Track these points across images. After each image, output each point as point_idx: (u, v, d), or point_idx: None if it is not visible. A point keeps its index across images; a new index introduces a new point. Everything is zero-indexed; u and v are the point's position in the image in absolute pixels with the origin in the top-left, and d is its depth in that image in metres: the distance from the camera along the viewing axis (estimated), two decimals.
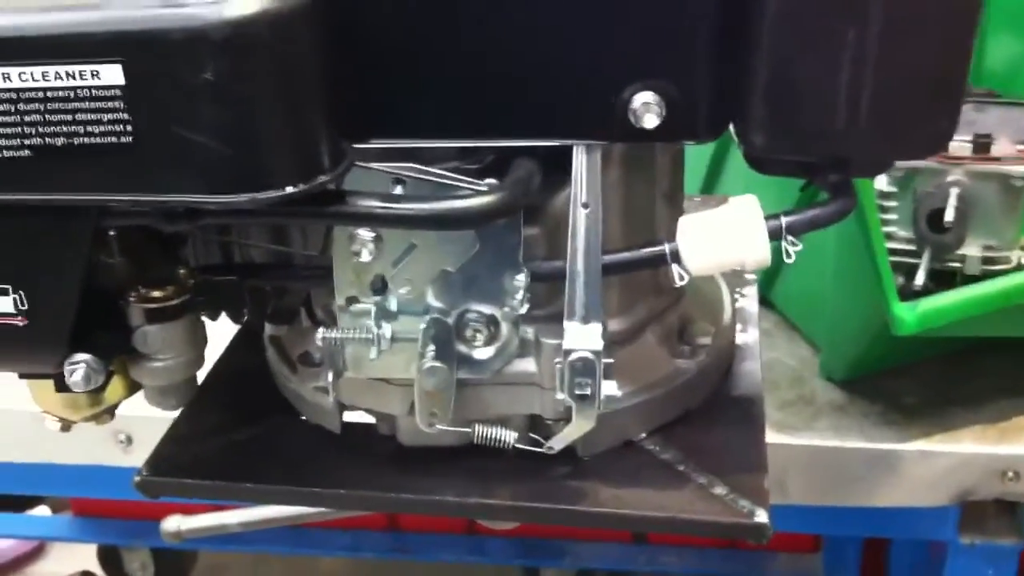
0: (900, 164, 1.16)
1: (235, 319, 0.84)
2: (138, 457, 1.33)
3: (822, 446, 1.19)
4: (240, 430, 0.86)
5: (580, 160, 0.71)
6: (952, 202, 1.15)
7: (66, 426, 0.80)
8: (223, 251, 0.79)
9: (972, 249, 1.19)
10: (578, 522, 0.77)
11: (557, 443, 0.77)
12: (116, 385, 0.77)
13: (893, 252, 1.13)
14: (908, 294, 1.12)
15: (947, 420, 1.21)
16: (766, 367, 1.00)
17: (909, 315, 1.09)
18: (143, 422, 1.29)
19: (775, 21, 0.66)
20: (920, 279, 1.15)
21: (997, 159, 1.18)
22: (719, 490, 0.78)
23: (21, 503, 2.24)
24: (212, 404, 0.86)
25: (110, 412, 0.80)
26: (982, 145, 1.18)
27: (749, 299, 0.98)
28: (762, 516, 0.76)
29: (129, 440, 1.33)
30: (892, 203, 1.18)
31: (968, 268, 1.19)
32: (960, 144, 1.18)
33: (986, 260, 1.19)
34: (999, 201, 1.18)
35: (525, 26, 0.67)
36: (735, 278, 0.99)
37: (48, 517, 2.21)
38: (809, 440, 1.19)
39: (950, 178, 1.17)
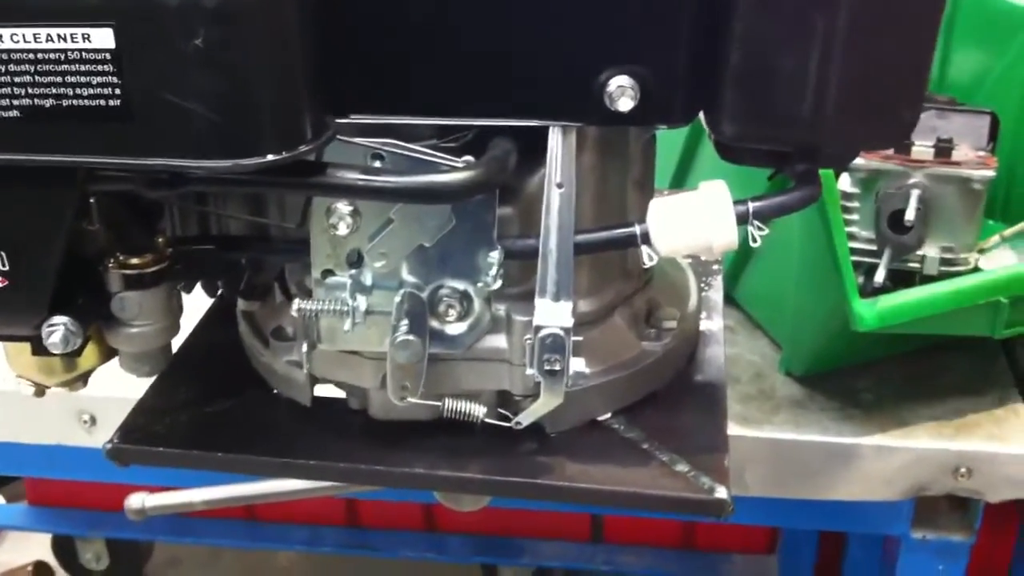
0: (864, 166, 1.19)
1: (210, 292, 0.85)
2: (102, 437, 1.34)
3: (781, 439, 1.21)
4: (211, 403, 0.87)
5: (556, 141, 0.73)
6: (913, 203, 1.18)
7: (40, 391, 0.81)
8: (200, 223, 0.81)
9: (931, 250, 1.22)
10: (545, 496, 0.79)
11: (525, 418, 0.79)
12: (91, 352, 0.78)
13: (854, 252, 1.16)
14: (868, 292, 1.15)
15: (903, 416, 1.23)
16: (728, 362, 1.02)
17: (868, 312, 1.11)
18: (107, 402, 1.30)
19: (748, 10, 0.68)
20: (880, 277, 1.18)
21: (958, 163, 1.20)
22: (681, 467, 0.80)
23: None
24: (183, 377, 0.87)
25: (83, 379, 0.81)
26: (944, 150, 1.21)
27: (715, 290, 1.01)
28: (722, 492, 0.78)
29: (93, 420, 1.33)
30: (855, 204, 1.21)
31: (927, 269, 1.22)
32: (922, 148, 1.21)
33: (944, 261, 1.22)
34: (959, 204, 1.21)
35: (506, 8, 0.69)
36: (703, 269, 1.01)
37: (2, 506, 2.20)
38: (768, 433, 1.21)
39: (912, 180, 1.20)
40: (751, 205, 0.75)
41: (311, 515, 1.90)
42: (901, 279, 1.22)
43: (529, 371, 0.75)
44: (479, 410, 0.80)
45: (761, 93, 0.70)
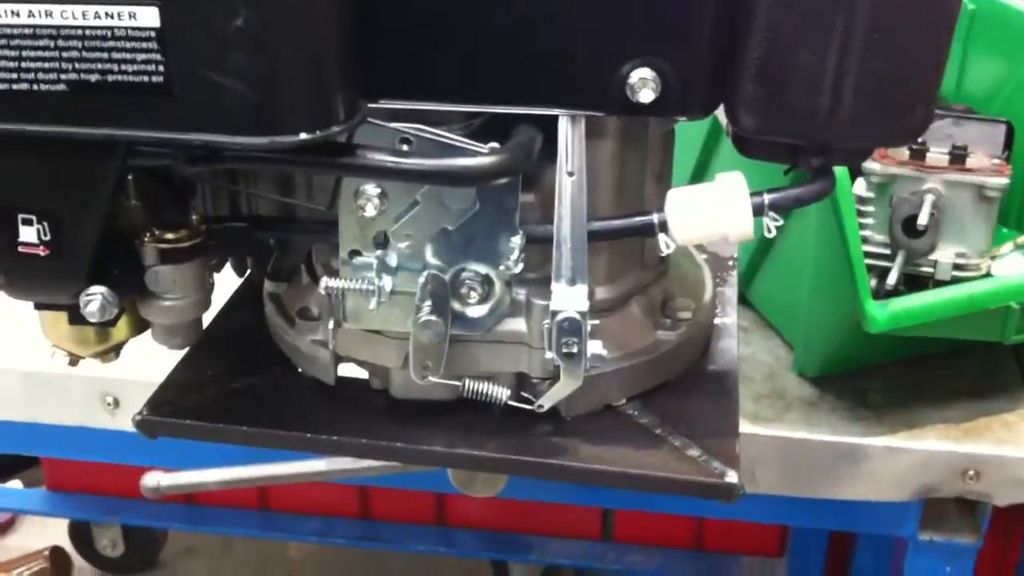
0: (879, 170, 1.21)
1: (239, 271, 0.88)
2: (125, 420, 1.37)
3: (792, 438, 1.23)
4: (237, 379, 0.89)
5: (566, 131, 0.75)
6: (927, 208, 1.20)
7: (74, 360, 0.84)
8: (231, 202, 0.83)
9: (944, 255, 1.24)
10: (559, 476, 0.81)
11: (546, 401, 0.81)
12: (123, 324, 0.81)
13: (868, 255, 1.18)
14: (881, 295, 1.17)
15: (913, 418, 1.25)
16: (742, 361, 1.04)
17: (881, 313, 1.13)
18: (131, 384, 1.33)
19: (769, 5, 0.71)
20: (892, 280, 1.20)
21: (972, 170, 1.22)
22: (693, 452, 0.82)
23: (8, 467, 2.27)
24: (211, 355, 0.90)
25: (116, 351, 0.84)
26: (959, 156, 1.23)
27: (730, 286, 1.03)
28: (732, 477, 0.80)
29: (116, 402, 1.35)
30: (869, 208, 1.23)
31: (939, 273, 1.24)
32: (937, 155, 1.23)
33: (957, 267, 1.24)
34: (972, 210, 1.23)
35: (532, 3, 0.71)
36: (718, 265, 1.03)
37: (20, 490, 2.23)
38: (780, 432, 1.23)
39: (926, 186, 1.22)
40: (767, 197, 0.78)
41: (323, 506, 1.92)
42: (913, 283, 1.23)
43: (548, 354, 0.77)
44: (503, 392, 0.82)
45: (780, 87, 0.73)
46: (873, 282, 1.18)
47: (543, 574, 2.19)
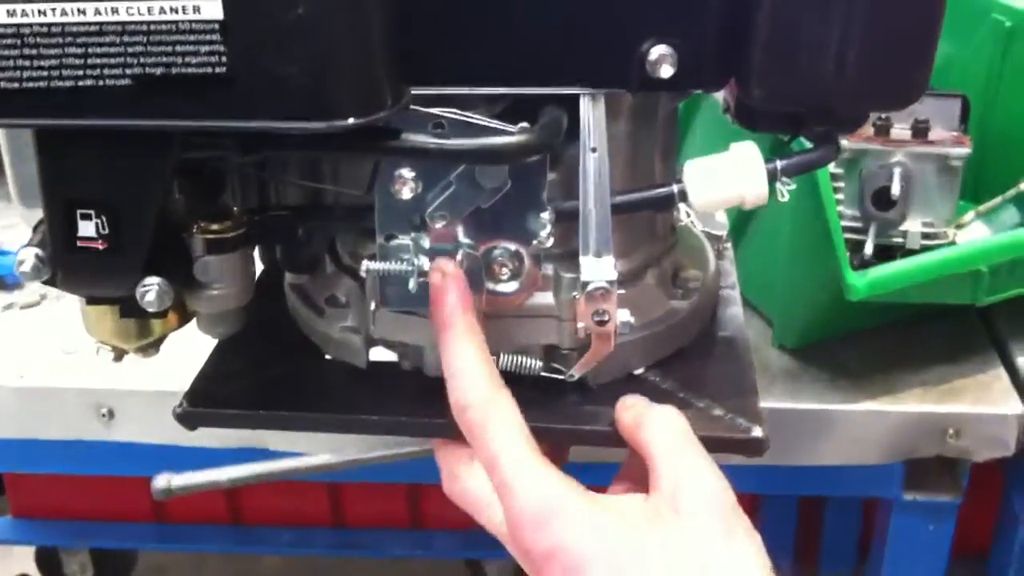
0: (847, 147, 1.26)
1: (266, 259, 0.91)
2: (120, 431, 1.38)
3: (777, 408, 1.28)
4: (269, 368, 0.92)
5: (587, 109, 0.79)
6: (897, 179, 1.25)
7: (119, 355, 0.86)
8: (260, 194, 0.86)
9: (913, 226, 1.30)
10: (594, 442, 0.84)
11: (578, 370, 0.85)
12: (168, 316, 0.83)
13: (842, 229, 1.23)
14: (856, 266, 1.22)
15: (892, 384, 1.31)
16: None
17: (860, 282, 1.19)
18: (126, 395, 1.34)
19: None
20: (869, 250, 1.26)
21: (934, 143, 1.28)
22: (718, 411, 0.86)
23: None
24: (239, 347, 0.92)
25: (156, 345, 0.86)
26: (921, 130, 1.29)
27: (727, 259, 1.07)
28: (758, 431, 0.84)
29: (111, 414, 1.36)
30: (839, 184, 1.28)
31: (909, 243, 1.30)
32: (900, 130, 1.29)
33: (925, 236, 1.30)
34: (937, 181, 1.29)
35: None
36: (713, 242, 1.07)
37: None
38: (766, 403, 1.27)
39: (893, 159, 1.28)
40: (779, 163, 0.82)
41: (296, 516, 1.91)
42: (882, 254, 1.29)
43: (580, 325, 0.81)
44: (535, 364, 0.86)
45: (788, 57, 0.77)
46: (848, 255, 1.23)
47: (515, 571, 2.21)
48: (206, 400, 0.89)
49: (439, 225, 0.80)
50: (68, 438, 1.40)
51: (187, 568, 2.46)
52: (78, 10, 0.65)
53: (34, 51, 0.67)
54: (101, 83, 0.67)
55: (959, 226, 1.37)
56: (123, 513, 1.90)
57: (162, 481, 1.31)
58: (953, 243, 1.32)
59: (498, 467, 0.75)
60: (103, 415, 1.37)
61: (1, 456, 1.48)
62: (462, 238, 0.81)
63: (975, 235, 1.38)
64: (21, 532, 1.99)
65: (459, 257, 0.81)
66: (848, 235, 1.27)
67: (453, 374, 0.78)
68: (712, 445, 0.82)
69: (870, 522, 1.60)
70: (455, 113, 0.77)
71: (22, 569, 2.29)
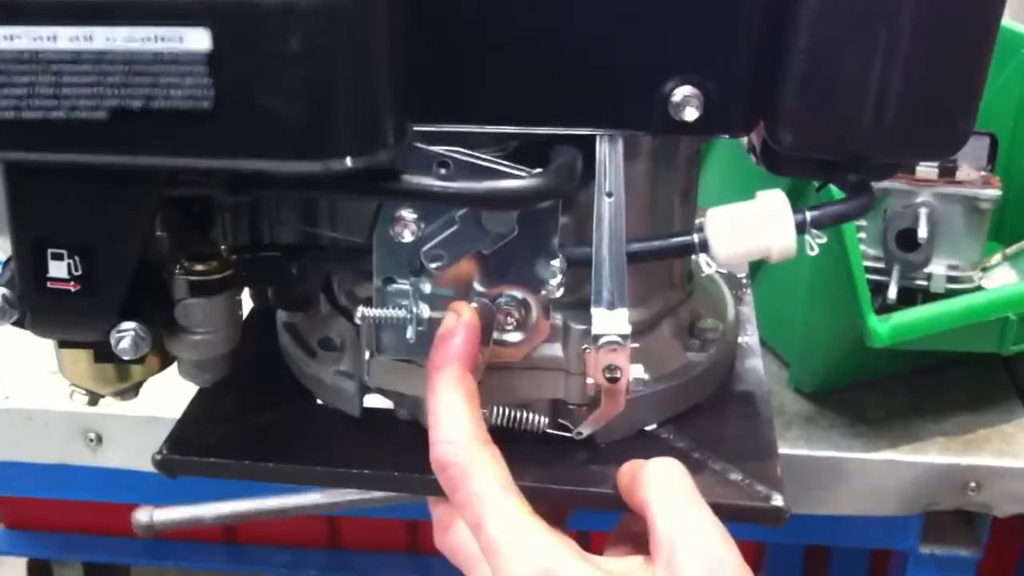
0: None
1: (257, 300, 0.85)
2: (107, 456, 1.34)
3: (794, 455, 1.23)
4: (258, 414, 0.86)
5: (604, 151, 0.73)
6: (923, 221, 1.20)
7: (94, 399, 0.80)
8: (252, 232, 0.80)
9: (937, 268, 1.24)
10: (598, 505, 0.78)
11: (586, 427, 0.79)
12: (147, 360, 0.78)
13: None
14: (878, 309, 1.17)
15: (912, 432, 1.25)
16: None
17: (883, 328, 1.13)
18: (113, 420, 1.29)
19: (814, 20, 0.69)
20: (893, 293, 1.20)
21: (963, 183, 1.23)
22: (735, 476, 0.80)
23: None
24: (226, 388, 0.87)
25: (135, 389, 0.81)
26: (948, 169, 1.23)
27: (747, 304, 1.02)
28: (778, 500, 0.78)
29: (99, 439, 1.32)
30: (862, 223, 1.23)
31: (933, 286, 1.25)
32: (926, 168, 1.24)
33: (950, 279, 1.25)
34: (964, 223, 1.24)
35: (578, 21, 0.70)
36: (732, 284, 1.02)
37: None
38: (782, 450, 1.22)
39: (919, 199, 1.22)
40: (808, 214, 0.76)
41: (293, 537, 1.88)
42: (904, 296, 1.24)
43: (589, 380, 0.75)
44: (540, 420, 0.80)
45: (823, 102, 0.71)
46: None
47: None
48: (188, 447, 0.83)
49: (434, 265, 0.75)
50: (54, 462, 1.36)
51: None
52: (49, 36, 0.60)
53: (2, 79, 0.61)
54: (74, 115, 0.61)
55: (985, 269, 1.31)
56: (114, 529, 1.86)
57: (144, 515, 1.27)
58: (979, 287, 1.26)
59: (484, 530, 0.69)
60: (90, 440, 1.32)
61: None
62: (477, 286, 0.76)
63: (1001, 278, 1.32)
64: (12, 544, 1.95)
65: (474, 305, 0.75)
66: (870, 276, 1.21)
67: (435, 423, 0.72)
68: (728, 513, 0.76)
69: (877, 572, 1.55)
70: (462, 153, 0.72)
71: None
